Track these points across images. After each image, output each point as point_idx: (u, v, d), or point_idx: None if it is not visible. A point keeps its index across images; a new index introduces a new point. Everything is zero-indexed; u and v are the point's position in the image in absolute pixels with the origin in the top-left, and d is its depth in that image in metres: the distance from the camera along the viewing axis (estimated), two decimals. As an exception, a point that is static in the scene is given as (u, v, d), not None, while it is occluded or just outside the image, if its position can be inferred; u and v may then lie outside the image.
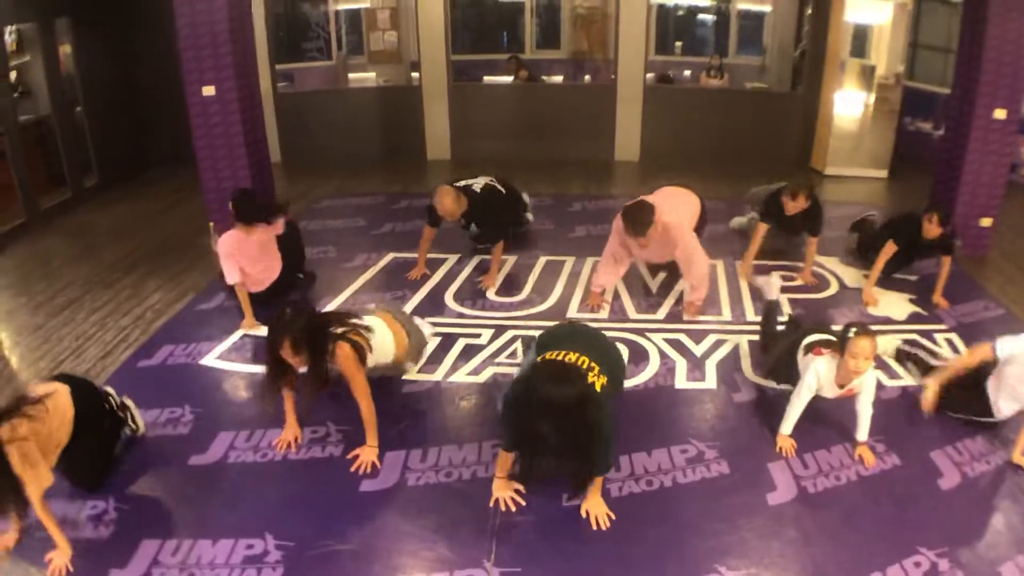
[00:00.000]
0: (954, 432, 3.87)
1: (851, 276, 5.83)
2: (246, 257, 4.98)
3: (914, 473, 3.59)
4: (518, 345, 4.50)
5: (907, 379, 4.37)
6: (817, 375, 3.66)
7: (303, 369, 3.52)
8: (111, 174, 8.46)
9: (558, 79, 10.33)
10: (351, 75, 9.94)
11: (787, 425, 3.77)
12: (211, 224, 6.49)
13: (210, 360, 4.56)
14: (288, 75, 9.77)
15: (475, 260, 6.01)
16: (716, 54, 10.23)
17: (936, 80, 9.25)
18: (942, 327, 5.02)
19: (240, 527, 3.18)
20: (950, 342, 4.79)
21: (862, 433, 3.70)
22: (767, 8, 10.51)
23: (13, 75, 7.38)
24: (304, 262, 5.69)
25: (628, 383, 4.18)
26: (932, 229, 5.21)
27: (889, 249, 5.39)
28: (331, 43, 10.17)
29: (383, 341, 3.88)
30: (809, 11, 9.34)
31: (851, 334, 3.48)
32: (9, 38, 7.32)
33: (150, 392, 4.12)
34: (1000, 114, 6.15)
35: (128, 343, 4.82)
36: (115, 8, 8.40)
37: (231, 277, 4.90)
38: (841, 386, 3.65)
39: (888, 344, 4.54)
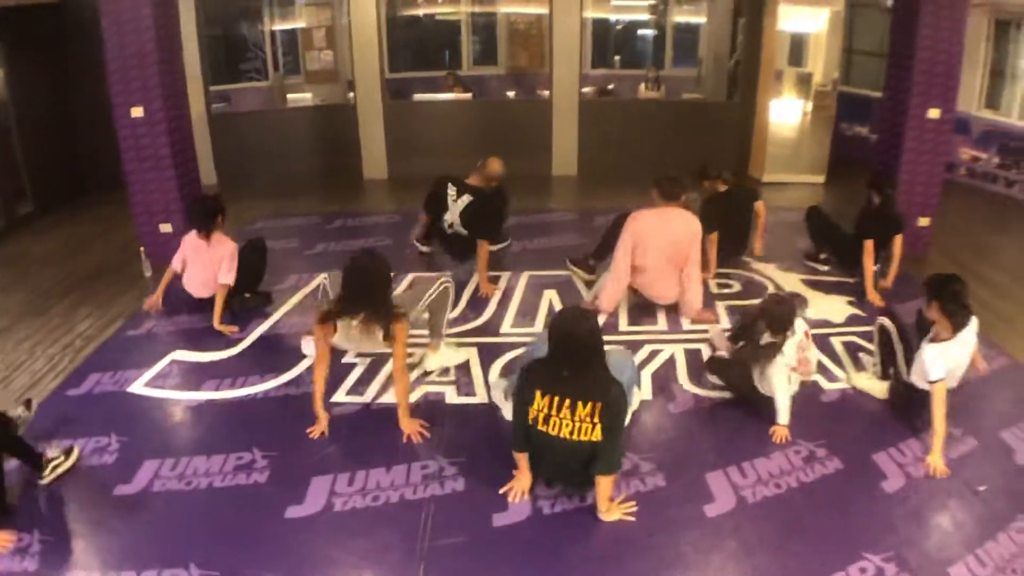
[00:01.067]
0: (897, 433, 3.90)
1: (789, 282, 5.89)
2: (194, 261, 5.30)
3: (857, 477, 3.60)
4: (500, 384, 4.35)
5: (846, 381, 4.40)
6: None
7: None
8: (46, 201, 8.22)
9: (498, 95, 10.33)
10: (289, 95, 9.82)
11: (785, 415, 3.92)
12: (141, 249, 6.34)
13: (137, 387, 4.46)
14: (225, 96, 9.63)
15: (409, 277, 5.91)
16: (653, 66, 10.34)
17: (870, 85, 9.48)
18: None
19: (164, 558, 3.09)
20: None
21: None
22: (702, 20, 10.67)
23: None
24: (260, 282, 5.68)
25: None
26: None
27: (870, 248, 5.50)
28: (267, 63, 10.05)
29: None
30: (743, 21, 9.48)
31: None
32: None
33: (78, 421, 4.06)
34: (934, 114, 6.30)
35: (57, 371, 4.70)
36: (49, 31, 8.20)
37: (174, 263, 5.34)
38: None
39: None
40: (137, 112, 6.02)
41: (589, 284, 5.74)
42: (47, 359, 4.90)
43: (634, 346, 4.80)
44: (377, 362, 4.62)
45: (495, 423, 4.01)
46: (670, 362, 4.66)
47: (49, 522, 3.35)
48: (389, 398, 4.25)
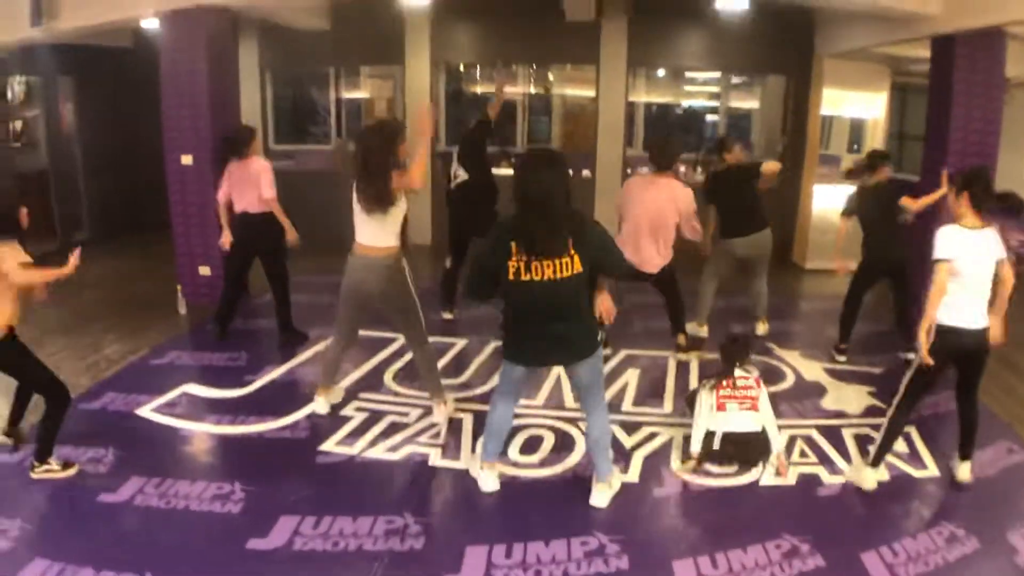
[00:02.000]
0: (892, 531, 3.74)
1: (810, 370, 5.77)
2: (237, 184, 5.78)
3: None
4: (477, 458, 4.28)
5: (848, 474, 4.26)
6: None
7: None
8: (101, 231, 8.70)
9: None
10: (345, 159, 10.24)
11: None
12: (178, 287, 6.65)
13: (145, 411, 4.78)
14: (290, 154, 10.11)
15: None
16: (704, 150, 10.44)
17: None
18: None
19: (125, 562, 3.28)
20: (907, 436, 4.59)
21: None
22: (755, 104, 10.78)
23: (18, 124, 7.72)
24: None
25: (541, 472, 4.21)
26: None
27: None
28: (332, 128, 10.56)
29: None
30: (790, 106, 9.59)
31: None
32: (18, 88, 7.70)
33: (82, 432, 4.36)
34: None
35: (76, 386, 4.93)
36: (117, 72, 8.79)
37: (221, 197, 5.82)
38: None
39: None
40: (186, 160, 6.40)
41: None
42: (70, 373, 5.13)
43: (633, 427, 4.76)
44: (371, 418, 4.76)
45: (470, 489, 4.02)
46: (667, 446, 4.59)
47: (33, 512, 3.67)
48: (375, 453, 4.36)
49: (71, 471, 3.97)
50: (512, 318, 3.59)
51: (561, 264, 3.32)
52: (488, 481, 3.97)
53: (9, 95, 8.16)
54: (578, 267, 3.34)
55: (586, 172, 9.61)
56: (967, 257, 3.74)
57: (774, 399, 5.06)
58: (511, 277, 3.37)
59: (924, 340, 3.74)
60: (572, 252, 3.34)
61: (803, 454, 4.46)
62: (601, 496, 3.88)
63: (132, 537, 3.51)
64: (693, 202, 5.43)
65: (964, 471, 4.12)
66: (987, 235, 3.80)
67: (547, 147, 3.55)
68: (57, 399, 3.95)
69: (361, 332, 6.15)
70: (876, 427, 4.71)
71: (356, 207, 4.32)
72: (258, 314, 6.38)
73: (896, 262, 5.76)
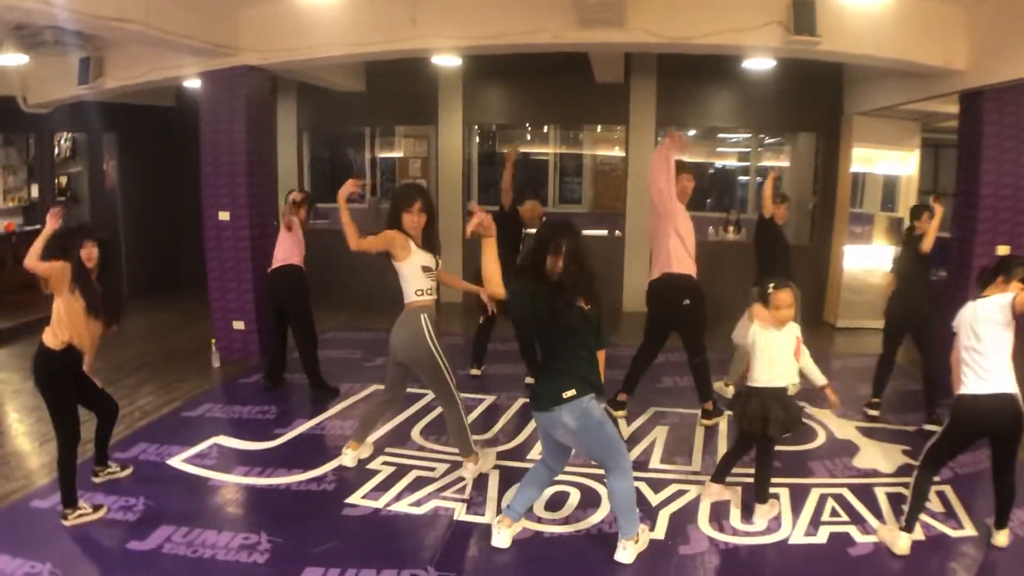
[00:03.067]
0: None
1: (842, 428, 5.68)
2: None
3: None
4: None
5: (881, 534, 4.12)
6: (754, 336, 4.15)
7: None
8: (140, 286, 8.92)
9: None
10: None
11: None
12: (212, 341, 6.78)
13: (176, 462, 4.87)
14: (324, 214, 10.32)
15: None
16: (734, 208, 10.47)
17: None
18: (935, 479, 4.74)
19: None
20: (941, 495, 4.53)
21: (819, 380, 4.18)
22: (786, 163, 10.81)
23: (63, 180, 8.01)
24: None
25: (567, 528, 4.17)
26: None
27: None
28: (367, 188, 10.82)
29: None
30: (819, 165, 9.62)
31: (771, 289, 4.04)
32: (64, 144, 8.01)
33: (114, 480, 4.51)
34: (1003, 251, 6.19)
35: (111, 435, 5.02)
36: (159, 130, 9.12)
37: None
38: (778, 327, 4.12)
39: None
40: (224, 216, 6.60)
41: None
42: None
43: (661, 484, 4.71)
44: (397, 472, 4.79)
45: (494, 547, 3.96)
46: (694, 503, 4.52)
47: (62, 556, 3.71)
48: (400, 507, 4.36)
49: (102, 511, 4.09)
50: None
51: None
52: (499, 537, 3.93)
53: (56, 151, 8.49)
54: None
55: (617, 232, 9.66)
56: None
57: (805, 457, 5.02)
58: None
59: None
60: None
61: (834, 512, 4.36)
62: (625, 553, 3.82)
63: (158, 586, 3.54)
64: None
65: (1001, 538, 4.00)
66: None
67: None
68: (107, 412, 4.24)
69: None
70: (910, 486, 4.65)
71: None
72: (289, 369, 6.46)
73: (920, 319, 5.72)
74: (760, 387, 4.15)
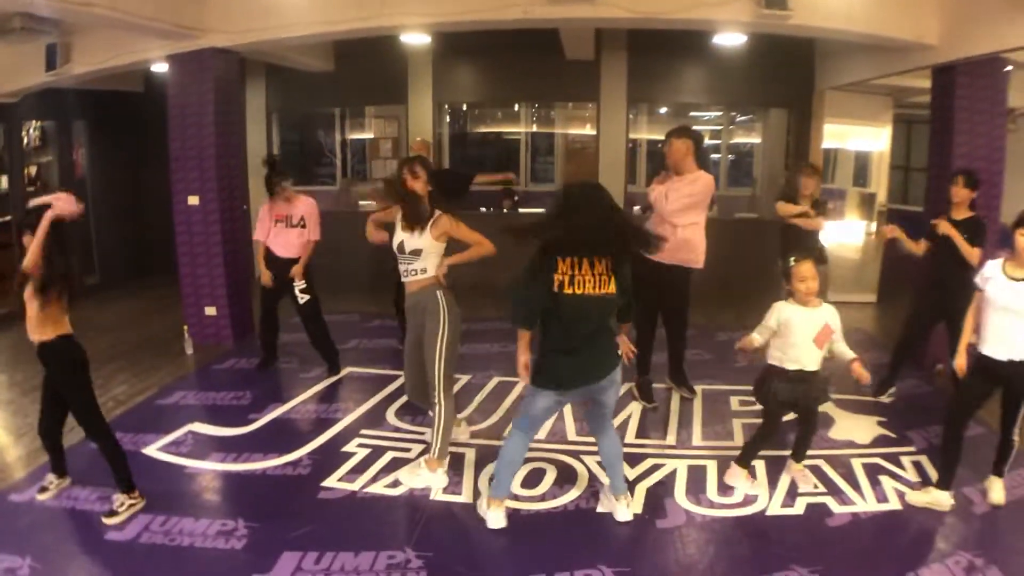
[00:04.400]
0: (908, 560, 3.66)
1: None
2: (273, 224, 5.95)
3: None
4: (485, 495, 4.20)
5: (859, 504, 4.19)
6: (781, 316, 4.08)
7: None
8: (112, 275, 8.81)
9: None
10: (362, 201, 10.37)
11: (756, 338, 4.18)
12: (185, 328, 6.70)
13: (151, 450, 4.80)
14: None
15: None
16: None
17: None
18: (910, 449, 4.87)
19: None
20: (917, 464, 4.63)
21: (848, 355, 4.10)
22: (758, 140, 10.86)
23: (33, 170, 7.85)
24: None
25: (543, 506, 4.18)
26: (958, 192, 5.20)
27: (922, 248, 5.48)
28: (338, 169, 10.72)
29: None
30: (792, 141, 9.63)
31: (792, 262, 4.06)
32: (33, 133, 7.85)
33: (89, 471, 4.35)
34: None
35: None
36: (128, 116, 8.95)
37: (257, 233, 5.97)
38: (805, 305, 4.07)
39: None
40: (193, 200, 6.50)
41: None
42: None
43: (637, 459, 4.72)
44: (373, 454, 4.77)
45: (472, 524, 3.99)
46: (670, 476, 4.54)
47: (41, 550, 3.65)
48: (376, 488, 4.34)
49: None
50: (552, 336, 3.66)
51: (600, 281, 3.52)
52: (495, 519, 3.93)
53: (25, 140, 8.32)
54: (613, 289, 3.55)
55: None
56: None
57: (781, 429, 5.02)
58: (556, 289, 3.51)
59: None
60: (611, 272, 3.54)
61: (815, 486, 4.40)
62: (627, 511, 3.98)
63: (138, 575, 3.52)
64: None
65: (996, 492, 4.18)
66: None
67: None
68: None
69: (365, 369, 6.26)
70: (886, 456, 4.76)
71: None
72: (259, 354, 6.43)
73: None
74: (783, 368, 4.13)
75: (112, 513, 3.91)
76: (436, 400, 4.34)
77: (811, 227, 6.08)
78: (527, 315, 3.68)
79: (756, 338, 4.20)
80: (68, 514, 4.02)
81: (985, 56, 6.05)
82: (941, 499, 4.11)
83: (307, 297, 6.01)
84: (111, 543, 3.74)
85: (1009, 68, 6.40)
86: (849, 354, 4.15)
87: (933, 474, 4.41)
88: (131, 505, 3.97)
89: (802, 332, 4.06)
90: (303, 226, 5.93)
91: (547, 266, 3.53)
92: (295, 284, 5.95)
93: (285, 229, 5.94)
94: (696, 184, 5.24)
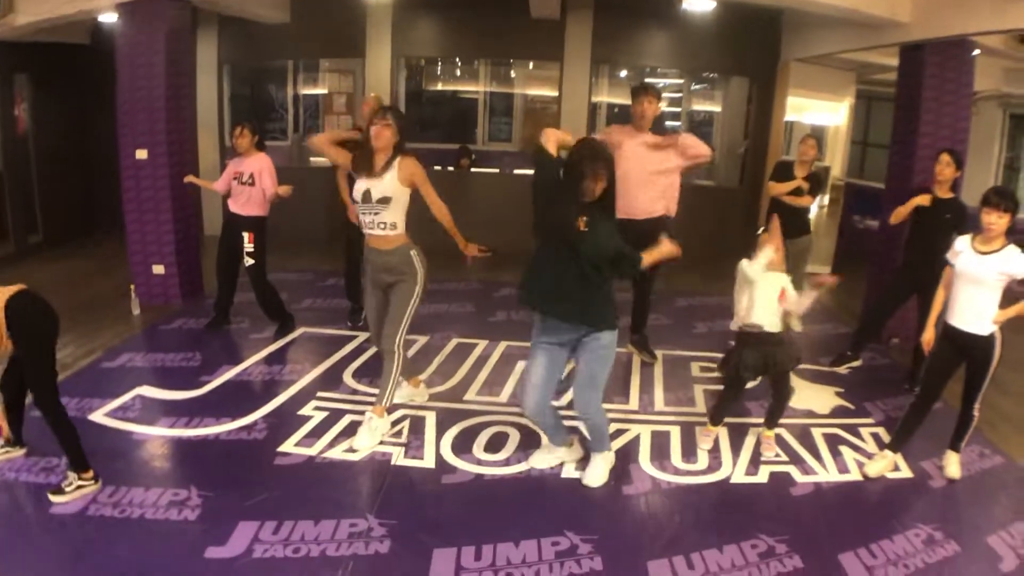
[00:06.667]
0: (870, 532, 3.69)
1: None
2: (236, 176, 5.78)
3: None
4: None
5: (821, 475, 4.24)
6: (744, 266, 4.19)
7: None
8: (55, 233, 8.46)
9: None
10: (313, 158, 10.07)
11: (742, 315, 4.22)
12: (132, 287, 6.44)
13: (98, 416, 4.54)
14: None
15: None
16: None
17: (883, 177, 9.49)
18: (869, 421, 4.95)
19: None
20: (876, 436, 4.70)
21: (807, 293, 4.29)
22: (717, 108, 10.83)
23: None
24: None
25: (507, 470, 4.14)
26: (944, 170, 5.22)
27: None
28: (289, 125, 10.37)
29: None
30: (752, 111, 9.63)
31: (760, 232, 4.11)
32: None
33: (34, 440, 4.08)
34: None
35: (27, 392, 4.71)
36: (74, 70, 8.54)
37: (218, 185, 5.90)
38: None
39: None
40: (141, 154, 6.22)
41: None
42: (20, 379, 4.93)
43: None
44: (330, 417, 4.64)
45: (434, 492, 3.91)
46: (634, 442, 4.53)
47: None
48: (335, 453, 4.22)
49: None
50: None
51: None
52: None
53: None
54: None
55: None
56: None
57: (742, 397, 5.04)
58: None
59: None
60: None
61: (776, 455, 4.44)
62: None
63: (87, 550, 3.30)
64: None
65: (953, 467, 4.27)
66: None
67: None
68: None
69: (320, 330, 6.11)
70: (845, 427, 4.82)
71: None
72: (210, 314, 6.21)
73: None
74: (757, 332, 4.21)
75: (59, 490, 3.65)
76: (395, 350, 4.29)
77: (800, 204, 6.17)
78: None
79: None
80: (12, 486, 3.78)
81: (955, 38, 6.07)
82: (892, 461, 4.28)
83: (251, 261, 5.83)
84: (55, 517, 3.51)
85: (976, 52, 6.44)
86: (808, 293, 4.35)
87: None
88: (80, 487, 3.68)
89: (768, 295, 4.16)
90: (252, 183, 5.69)
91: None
92: (244, 245, 5.74)
93: (238, 186, 5.73)
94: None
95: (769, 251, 4.19)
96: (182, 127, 6.49)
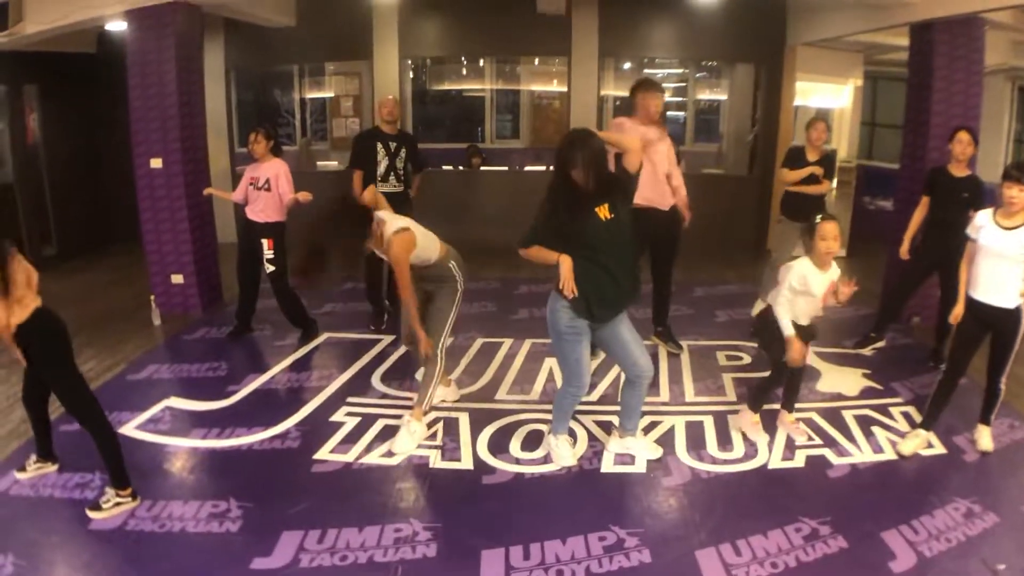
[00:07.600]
0: (910, 509, 3.69)
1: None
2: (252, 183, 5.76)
3: (863, 556, 3.36)
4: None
5: (856, 456, 4.23)
6: (800, 273, 4.02)
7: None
8: (70, 245, 8.44)
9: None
10: (319, 162, 10.04)
11: (789, 326, 4.04)
12: (151, 297, 6.43)
13: (128, 430, 4.49)
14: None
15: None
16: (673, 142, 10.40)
17: (893, 158, 9.40)
18: (898, 400, 4.94)
19: None
20: (907, 415, 4.68)
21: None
22: (724, 96, 10.79)
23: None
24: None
25: (546, 468, 4.12)
26: (965, 149, 5.21)
27: (923, 204, 5.44)
28: (296, 129, 10.35)
29: (424, 236, 4.25)
30: (760, 97, 9.57)
31: (818, 220, 4.00)
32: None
33: (66, 456, 4.07)
34: None
35: (54, 407, 4.60)
36: (82, 79, 8.51)
37: (236, 195, 5.89)
38: (824, 270, 4.04)
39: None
40: (156, 163, 6.19)
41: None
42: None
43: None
44: (363, 422, 4.61)
45: (476, 490, 3.90)
46: (669, 434, 4.51)
47: (24, 546, 3.37)
48: (372, 458, 4.20)
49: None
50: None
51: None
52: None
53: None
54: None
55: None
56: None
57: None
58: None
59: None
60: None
61: (809, 437, 4.43)
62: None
63: (130, 566, 3.27)
64: None
65: (985, 439, 4.28)
66: None
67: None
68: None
69: (343, 334, 6.13)
70: (875, 408, 4.81)
71: None
72: (232, 322, 6.20)
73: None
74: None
75: (96, 507, 3.62)
76: (437, 354, 4.33)
77: (817, 192, 6.14)
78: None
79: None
80: (48, 503, 3.74)
81: (965, 15, 6.02)
82: (925, 438, 4.28)
83: (272, 268, 5.80)
84: (94, 533, 3.49)
85: (985, 28, 6.40)
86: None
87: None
88: (118, 504, 3.64)
89: (815, 290, 4.07)
90: (268, 189, 5.66)
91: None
92: (264, 252, 5.73)
93: (255, 192, 5.70)
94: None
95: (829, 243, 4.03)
96: (195, 134, 6.46)
